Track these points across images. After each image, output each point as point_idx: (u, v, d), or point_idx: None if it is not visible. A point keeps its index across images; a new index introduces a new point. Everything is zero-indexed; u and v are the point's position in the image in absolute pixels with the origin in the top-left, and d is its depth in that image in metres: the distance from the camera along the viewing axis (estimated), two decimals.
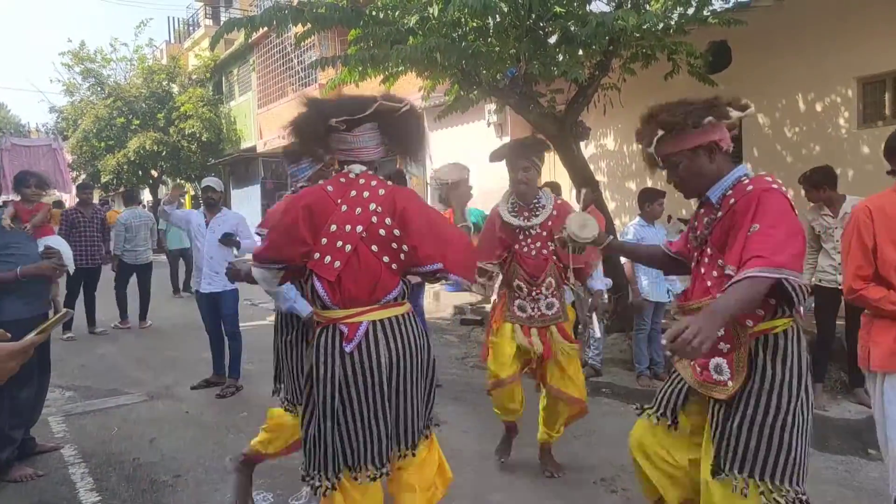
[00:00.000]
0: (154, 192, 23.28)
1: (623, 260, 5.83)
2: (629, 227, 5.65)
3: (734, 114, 2.06)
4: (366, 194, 2.32)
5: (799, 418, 2.06)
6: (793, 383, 2.06)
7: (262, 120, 18.56)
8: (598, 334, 4.44)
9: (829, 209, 4.80)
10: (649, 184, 6.89)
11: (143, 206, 13.06)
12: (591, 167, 7.56)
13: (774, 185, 2.04)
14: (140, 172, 21.18)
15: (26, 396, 3.92)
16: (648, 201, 5.54)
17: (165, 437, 4.48)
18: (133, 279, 8.66)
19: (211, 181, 5.68)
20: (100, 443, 4.41)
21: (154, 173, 21.78)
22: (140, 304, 8.67)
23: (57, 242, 4.68)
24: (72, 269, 4.72)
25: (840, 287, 4.76)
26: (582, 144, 7.40)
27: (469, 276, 2.40)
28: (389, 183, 2.40)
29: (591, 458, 3.99)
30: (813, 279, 4.96)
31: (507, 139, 9.39)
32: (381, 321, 2.31)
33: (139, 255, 8.50)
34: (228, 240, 5.46)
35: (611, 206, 8.59)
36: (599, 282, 3.77)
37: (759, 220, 1.97)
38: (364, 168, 2.39)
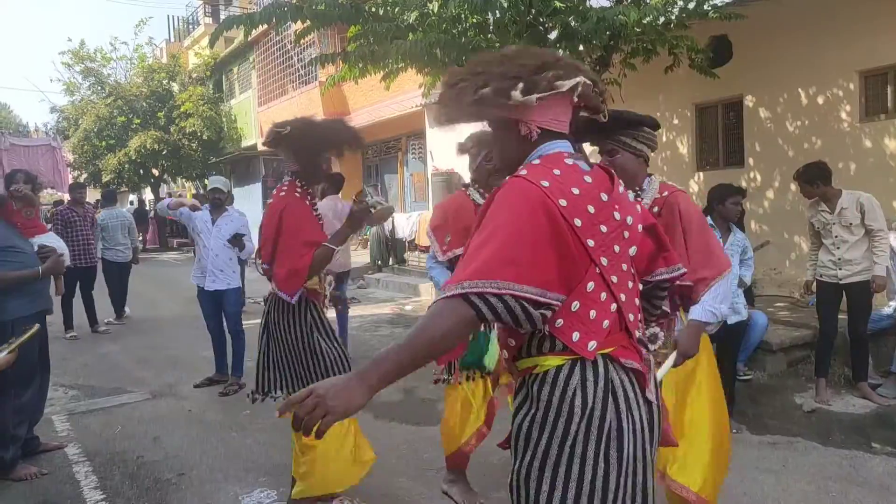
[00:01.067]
0: (155, 191, 23.30)
1: None
2: None
3: (515, 95, 1.51)
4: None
5: (546, 478, 1.46)
6: (541, 441, 1.47)
7: (263, 118, 18.51)
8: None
9: (826, 204, 4.79)
10: None
11: (133, 204, 12.86)
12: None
13: (522, 173, 1.50)
14: (141, 171, 21.21)
15: (30, 395, 3.94)
16: None
17: (169, 436, 4.50)
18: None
19: (217, 181, 5.68)
20: (103, 441, 4.43)
21: (155, 172, 21.79)
22: (117, 299, 8.85)
23: (50, 240, 4.67)
24: (67, 261, 4.72)
25: (840, 282, 4.81)
26: None
27: (279, 284, 3.03)
28: (274, 198, 3.09)
29: None
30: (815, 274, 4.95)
31: None
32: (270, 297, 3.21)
33: (118, 254, 8.58)
34: (237, 240, 5.46)
35: None
36: (703, 309, 2.54)
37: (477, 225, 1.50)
38: (289, 178, 3.13)
